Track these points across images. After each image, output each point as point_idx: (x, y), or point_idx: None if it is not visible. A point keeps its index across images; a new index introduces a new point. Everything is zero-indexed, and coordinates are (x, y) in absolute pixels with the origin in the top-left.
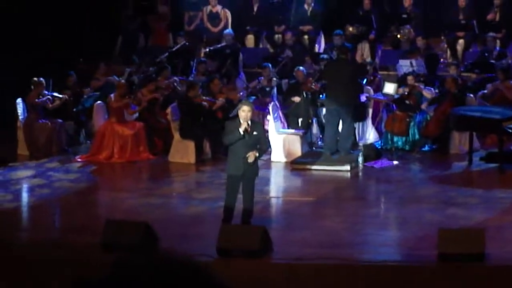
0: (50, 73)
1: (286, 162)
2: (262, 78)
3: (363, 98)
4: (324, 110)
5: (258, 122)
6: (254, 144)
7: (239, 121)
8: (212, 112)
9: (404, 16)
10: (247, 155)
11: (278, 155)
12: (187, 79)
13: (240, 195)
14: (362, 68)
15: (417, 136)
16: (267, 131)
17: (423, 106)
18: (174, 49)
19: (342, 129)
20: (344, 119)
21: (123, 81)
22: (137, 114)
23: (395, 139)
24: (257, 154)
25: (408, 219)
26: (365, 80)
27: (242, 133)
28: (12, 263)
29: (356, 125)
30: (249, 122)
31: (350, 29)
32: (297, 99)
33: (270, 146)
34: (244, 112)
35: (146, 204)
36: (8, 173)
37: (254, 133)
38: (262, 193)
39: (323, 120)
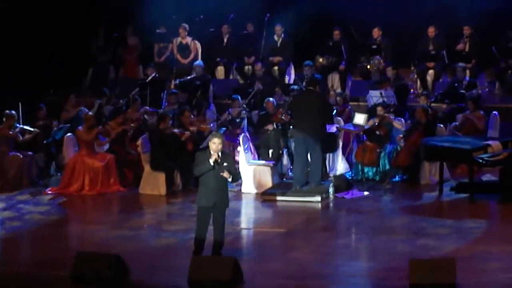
0: (20, 102)
1: (256, 193)
2: (232, 109)
3: (333, 128)
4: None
5: (228, 153)
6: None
7: (210, 152)
8: (183, 144)
9: (374, 46)
10: (221, 172)
11: (248, 186)
12: (157, 110)
13: (211, 227)
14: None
15: (387, 167)
16: (238, 162)
17: (398, 138)
18: (147, 80)
19: (311, 160)
20: (312, 149)
21: (90, 113)
22: (107, 146)
23: (366, 169)
24: (229, 176)
25: (379, 249)
26: (335, 111)
27: (212, 164)
28: None
29: (326, 155)
30: (219, 153)
31: (320, 60)
32: (269, 127)
33: (240, 177)
34: (215, 144)
35: (117, 236)
36: None
37: (224, 164)
38: (233, 224)
39: (293, 152)
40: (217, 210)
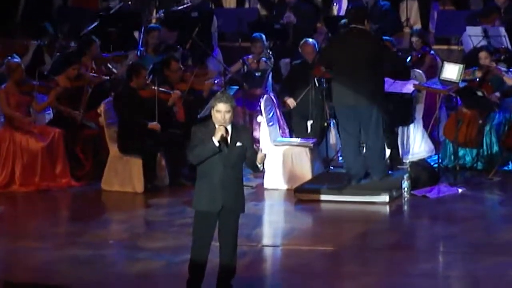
0: None
1: (287, 190)
2: (250, 56)
3: (408, 87)
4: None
5: (243, 126)
6: (238, 162)
7: (213, 125)
8: (170, 112)
9: None
10: (258, 158)
11: (275, 179)
12: (125, 54)
13: (216, 243)
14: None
15: (495, 148)
16: (258, 141)
17: (494, 97)
18: (110, 12)
19: (369, 141)
20: (366, 124)
21: (17, 60)
22: (50, 114)
23: (461, 152)
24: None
25: (481, 280)
26: (408, 59)
27: (217, 144)
28: None
29: (398, 130)
30: (229, 128)
31: None
32: (291, 102)
33: (263, 165)
34: (221, 113)
35: (67, 258)
36: None
37: (238, 144)
38: (251, 239)
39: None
40: (226, 217)
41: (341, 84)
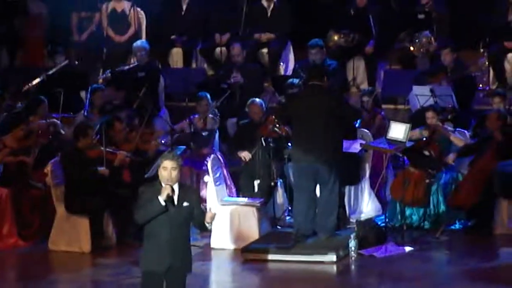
0: None
1: (235, 250)
2: (197, 116)
3: (356, 146)
4: (292, 167)
5: (190, 186)
6: (185, 221)
7: (160, 185)
8: (116, 172)
9: (421, 16)
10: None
11: (222, 239)
12: (73, 117)
13: None
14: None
15: (442, 208)
16: (205, 201)
17: (450, 159)
18: (52, 70)
19: (321, 197)
20: (324, 182)
21: None
22: None
23: (408, 212)
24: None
25: None
26: (358, 121)
27: (163, 203)
28: None
29: (345, 190)
30: (176, 187)
31: (335, 37)
32: (245, 154)
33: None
34: (167, 170)
35: None
36: None
37: (185, 203)
38: None
39: (293, 183)
40: (174, 277)
41: (301, 141)
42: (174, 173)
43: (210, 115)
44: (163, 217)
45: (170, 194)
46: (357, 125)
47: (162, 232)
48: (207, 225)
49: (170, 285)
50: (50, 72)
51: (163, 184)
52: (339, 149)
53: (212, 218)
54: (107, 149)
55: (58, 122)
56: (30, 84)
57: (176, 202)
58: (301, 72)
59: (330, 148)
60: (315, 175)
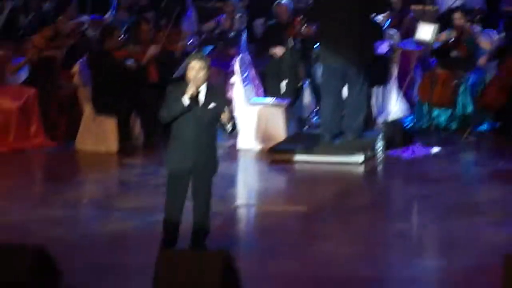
0: None
1: (262, 150)
2: (224, 16)
3: (383, 47)
4: (320, 67)
5: (217, 86)
6: (211, 122)
7: (187, 84)
8: (143, 73)
9: None
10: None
11: (249, 139)
12: (102, 19)
13: (189, 203)
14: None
15: (469, 108)
16: (232, 101)
17: (481, 61)
18: None
19: (348, 98)
20: (352, 82)
21: None
22: (25, 73)
23: (435, 112)
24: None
25: (456, 240)
26: (388, 20)
27: (187, 101)
28: None
29: (373, 91)
30: (203, 87)
31: None
32: (278, 51)
33: (236, 125)
34: (194, 71)
35: (41, 218)
36: None
37: (211, 104)
38: (225, 199)
39: (320, 84)
40: (199, 176)
41: (331, 43)
42: (201, 73)
43: (237, 15)
44: (188, 117)
45: (194, 94)
46: (385, 26)
47: (187, 131)
48: (225, 126)
49: (195, 185)
50: None
51: (189, 84)
52: (369, 50)
53: (229, 119)
54: (135, 50)
55: (86, 21)
56: None
57: (202, 102)
58: None
59: (360, 48)
60: (344, 75)
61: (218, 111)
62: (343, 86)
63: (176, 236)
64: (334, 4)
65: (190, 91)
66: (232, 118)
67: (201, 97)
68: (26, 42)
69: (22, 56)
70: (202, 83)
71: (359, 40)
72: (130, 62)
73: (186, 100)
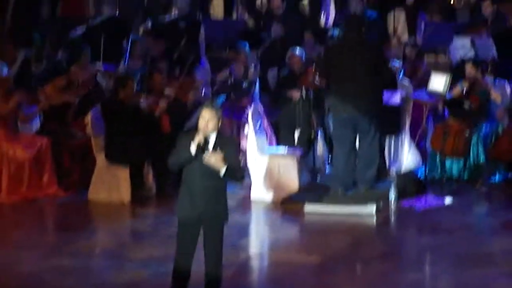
0: None
1: (274, 201)
2: (236, 66)
3: (396, 98)
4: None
5: (231, 137)
6: (219, 171)
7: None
8: (156, 123)
9: None
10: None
11: (261, 189)
12: (116, 69)
13: (201, 252)
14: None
15: (482, 159)
16: (245, 151)
17: (499, 114)
18: (96, 21)
19: (360, 150)
20: (364, 133)
21: (6, 71)
22: (37, 123)
23: (448, 163)
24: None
25: None
26: (402, 71)
27: (193, 150)
28: None
29: (385, 141)
30: (213, 136)
31: None
32: (295, 94)
33: (248, 175)
34: (204, 120)
35: (54, 267)
36: None
37: (219, 152)
38: (237, 248)
39: (332, 135)
40: (209, 225)
41: (341, 93)
42: (212, 123)
43: (251, 66)
44: (196, 165)
45: (202, 142)
46: (400, 76)
47: (195, 180)
48: (221, 170)
49: (206, 234)
50: (96, 21)
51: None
52: (379, 101)
53: (215, 161)
54: (147, 100)
55: (99, 70)
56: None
57: (208, 149)
58: (341, 23)
59: (370, 99)
60: (355, 126)
61: (228, 161)
62: (354, 137)
63: (186, 285)
64: (342, 55)
65: (197, 139)
66: (239, 168)
67: (210, 146)
68: (38, 92)
69: (35, 105)
70: (211, 132)
71: (368, 91)
72: (143, 104)
73: (192, 149)
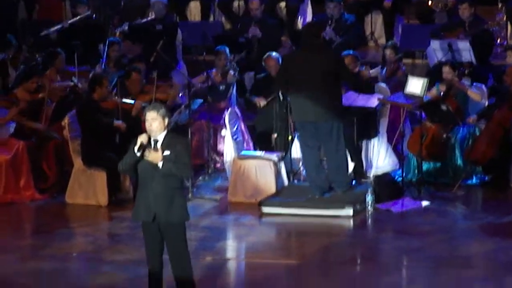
0: None
1: (251, 204)
2: (214, 70)
3: (372, 101)
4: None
5: (178, 136)
6: (168, 171)
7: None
8: (134, 124)
9: None
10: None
11: (238, 193)
12: (92, 71)
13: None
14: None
15: (459, 162)
16: (222, 154)
17: (471, 120)
18: (70, 22)
19: (327, 156)
20: (326, 140)
21: None
22: (12, 126)
23: (425, 166)
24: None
25: None
26: (383, 71)
27: (136, 151)
28: None
29: (362, 144)
30: (161, 136)
31: None
32: (260, 100)
33: (226, 178)
34: (147, 122)
35: (31, 270)
36: None
37: (165, 152)
38: (214, 252)
39: (299, 140)
40: (166, 228)
41: (300, 100)
42: (155, 124)
43: (230, 70)
44: (147, 167)
45: (144, 143)
46: (381, 76)
47: (148, 182)
48: (158, 164)
49: (165, 236)
50: (71, 21)
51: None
52: (339, 106)
53: (152, 157)
54: (123, 100)
55: (74, 82)
56: (49, 31)
57: (150, 150)
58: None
59: (329, 106)
60: (317, 132)
61: (172, 159)
62: (319, 141)
63: (161, 286)
64: (299, 62)
65: (139, 140)
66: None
67: (158, 147)
68: (13, 94)
69: (8, 108)
70: (159, 132)
71: (325, 97)
72: (118, 122)
73: (136, 148)
